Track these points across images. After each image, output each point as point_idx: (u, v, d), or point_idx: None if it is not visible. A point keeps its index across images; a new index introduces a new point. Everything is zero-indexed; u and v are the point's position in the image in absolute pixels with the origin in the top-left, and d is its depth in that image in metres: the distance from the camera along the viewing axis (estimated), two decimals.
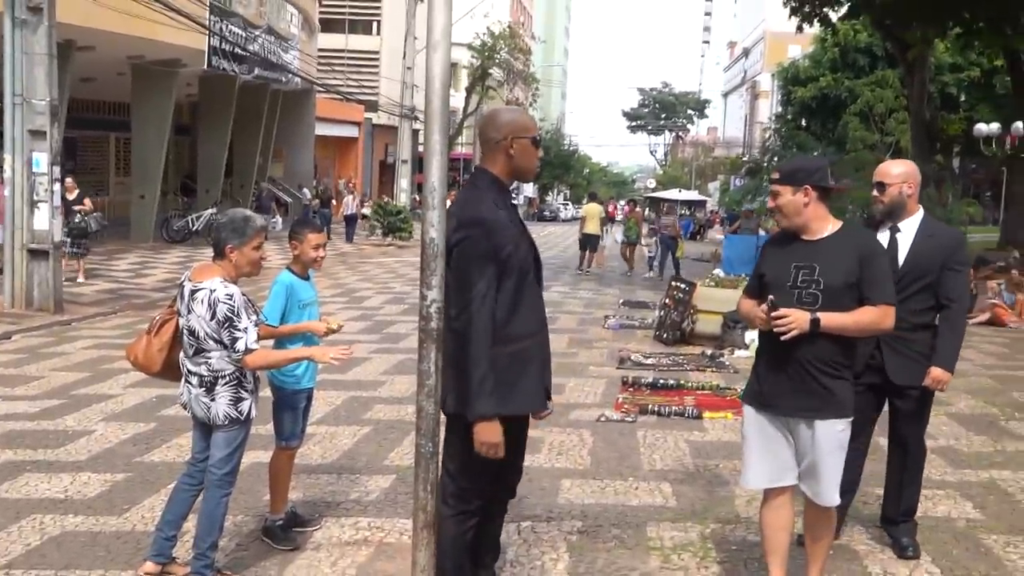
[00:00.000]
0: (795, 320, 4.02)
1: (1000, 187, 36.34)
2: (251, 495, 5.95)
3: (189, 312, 4.45)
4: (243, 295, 4.44)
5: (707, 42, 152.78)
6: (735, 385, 9.67)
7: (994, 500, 6.27)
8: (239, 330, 4.37)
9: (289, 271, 5.20)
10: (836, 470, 4.23)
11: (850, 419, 4.21)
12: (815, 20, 27.11)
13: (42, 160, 13.47)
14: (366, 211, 35.44)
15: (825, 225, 4.26)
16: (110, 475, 6.41)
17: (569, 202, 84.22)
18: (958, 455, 7.35)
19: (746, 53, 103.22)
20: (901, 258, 5.08)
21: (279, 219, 31.77)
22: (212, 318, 4.37)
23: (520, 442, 4.21)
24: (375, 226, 33.15)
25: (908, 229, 5.14)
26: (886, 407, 5.33)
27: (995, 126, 31.48)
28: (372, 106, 45.75)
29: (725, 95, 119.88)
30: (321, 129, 40.73)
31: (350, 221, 32.39)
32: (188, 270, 4.65)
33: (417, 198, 45.66)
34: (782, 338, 4.05)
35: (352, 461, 6.88)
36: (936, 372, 5.04)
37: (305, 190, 36.33)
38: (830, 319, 4.07)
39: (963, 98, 44.54)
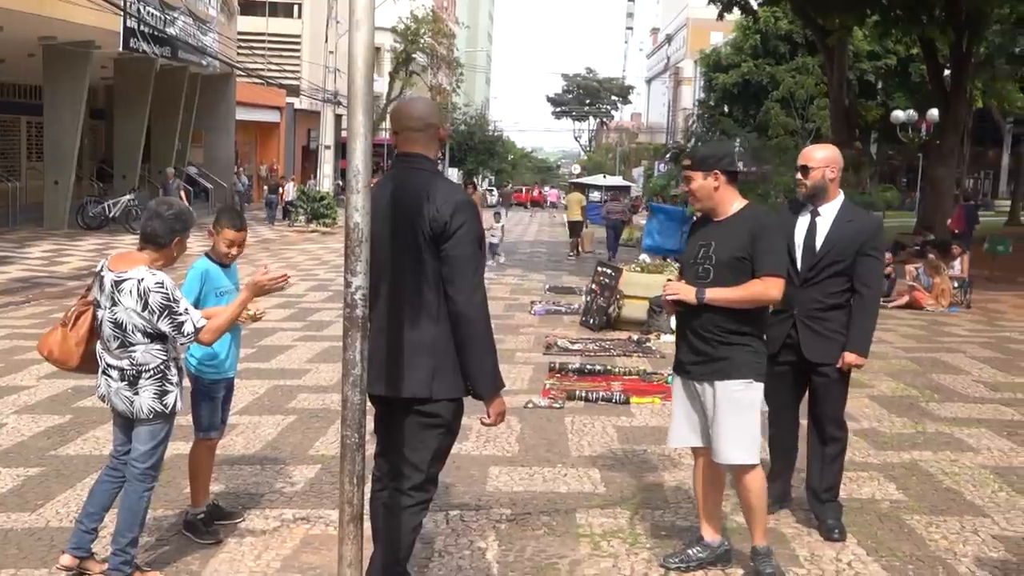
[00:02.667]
0: (676, 290, 4.49)
1: (916, 172, 37.11)
2: (172, 488, 5.79)
3: (114, 304, 4.28)
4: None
5: (630, 28, 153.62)
6: (662, 370, 9.70)
7: (916, 481, 6.35)
8: (180, 315, 4.25)
9: (207, 258, 5.05)
10: (734, 429, 4.48)
11: (749, 380, 4.46)
12: (735, 7, 27.38)
13: None
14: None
15: (731, 206, 4.58)
16: (23, 470, 6.19)
17: (494, 188, 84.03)
18: (880, 437, 7.45)
19: (669, 40, 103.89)
20: (819, 241, 5.23)
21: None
22: (144, 308, 4.22)
23: None
24: (298, 212, 32.82)
25: (828, 213, 5.27)
26: None
27: (911, 113, 32.11)
28: (294, 91, 45.15)
29: (648, 81, 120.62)
30: (242, 114, 40.03)
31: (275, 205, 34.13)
32: (104, 259, 4.48)
33: (341, 183, 45.28)
34: (668, 300, 4.55)
35: (276, 451, 6.75)
36: (849, 357, 5.21)
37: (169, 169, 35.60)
38: (715, 293, 4.42)
39: (880, 86, 45.39)
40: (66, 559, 4.50)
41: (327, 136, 37.40)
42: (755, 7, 28.82)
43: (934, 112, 28.70)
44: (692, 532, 5.07)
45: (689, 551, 4.82)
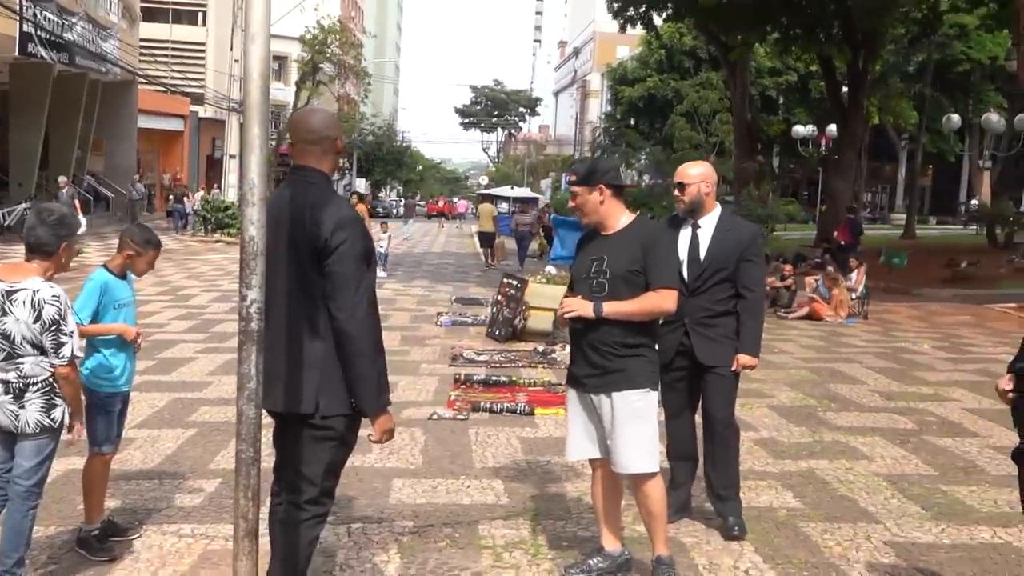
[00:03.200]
0: (575, 306, 4.49)
1: (816, 186, 38.02)
2: (66, 504, 5.65)
3: (3, 315, 4.15)
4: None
5: (538, 41, 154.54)
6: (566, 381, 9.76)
7: (812, 489, 6.49)
8: (65, 334, 4.15)
9: (105, 269, 4.94)
10: (634, 439, 4.54)
11: (646, 390, 4.55)
12: (638, 23, 27.80)
13: None
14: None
15: (619, 220, 4.65)
16: None
17: (402, 199, 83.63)
18: (779, 446, 7.60)
19: (576, 53, 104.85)
20: (702, 252, 5.47)
21: (83, 218, 29.55)
22: (36, 320, 4.12)
23: None
24: (202, 222, 32.37)
25: (708, 225, 5.52)
26: None
27: (811, 128, 32.95)
28: (198, 99, 44.48)
29: (556, 94, 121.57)
30: (144, 122, 39.37)
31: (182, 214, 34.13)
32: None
33: None
34: (565, 317, 4.54)
35: (175, 466, 6.62)
36: (744, 358, 5.46)
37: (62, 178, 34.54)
38: (612, 307, 4.47)
39: (781, 101, 46.45)
40: None
41: (232, 145, 36.93)
42: (658, 23, 29.24)
43: (833, 127, 29.48)
44: (593, 542, 5.11)
45: (590, 561, 4.86)
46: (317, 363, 3.79)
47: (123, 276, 4.99)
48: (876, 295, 18.60)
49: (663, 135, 46.63)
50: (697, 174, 5.53)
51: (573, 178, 4.72)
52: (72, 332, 4.20)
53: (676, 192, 5.57)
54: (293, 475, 3.91)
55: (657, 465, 4.63)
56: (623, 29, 28.16)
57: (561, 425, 8.05)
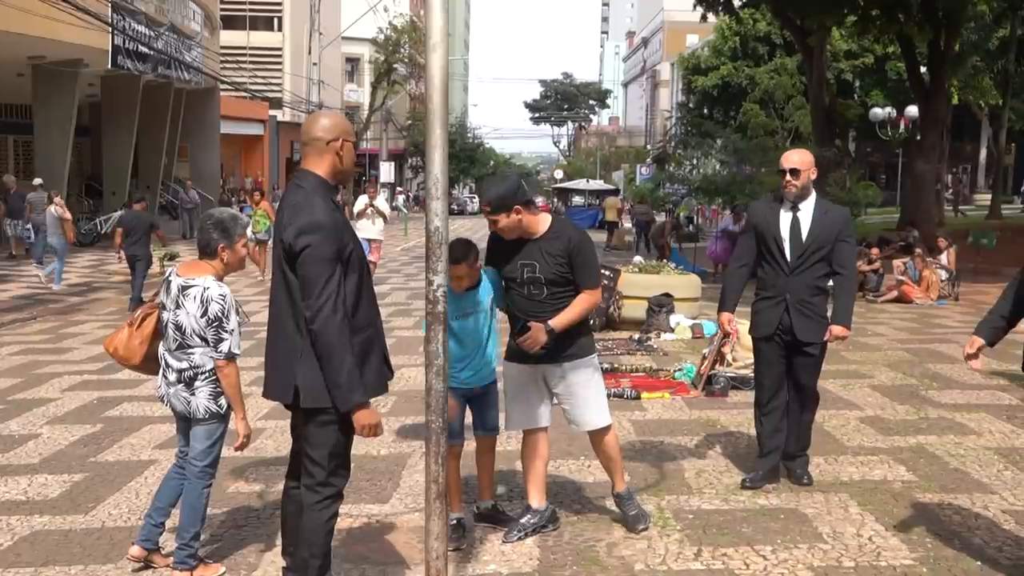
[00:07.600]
0: (537, 340, 4.89)
1: (894, 170, 37.60)
2: (215, 488, 6.00)
3: (178, 307, 4.54)
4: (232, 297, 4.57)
5: (605, 32, 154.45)
6: (667, 367, 9.98)
7: (924, 463, 6.63)
8: (226, 331, 4.51)
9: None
10: (592, 399, 5.20)
11: (592, 356, 5.19)
12: (719, 9, 27.76)
13: None
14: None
15: (540, 225, 5.04)
16: (67, 476, 6.42)
17: (475, 195, 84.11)
18: (886, 423, 7.73)
19: (645, 43, 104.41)
20: (804, 233, 5.88)
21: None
22: (203, 315, 4.49)
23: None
24: None
25: (807, 208, 5.94)
26: None
27: (890, 110, 32.59)
28: (276, 103, 45.30)
29: (625, 85, 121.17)
30: (226, 128, 40.18)
31: None
32: (174, 266, 4.76)
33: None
34: (530, 350, 4.95)
35: None
36: (837, 329, 5.89)
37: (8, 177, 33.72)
38: (560, 323, 4.93)
39: (858, 84, 45.92)
40: (135, 550, 4.76)
41: None
42: (736, 7, 29.14)
43: (912, 109, 29.17)
44: (704, 515, 5.32)
45: (522, 521, 5.29)
46: (297, 357, 3.93)
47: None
48: (965, 276, 18.48)
49: (737, 123, 46.36)
50: (808, 161, 5.95)
51: (487, 208, 4.94)
52: (233, 330, 4.53)
53: (788, 177, 5.90)
54: (305, 460, 4.10)
55: (610, 418, 5.28)
56: (704, 18, 28.19)
57: (668, 408, 8.30)
